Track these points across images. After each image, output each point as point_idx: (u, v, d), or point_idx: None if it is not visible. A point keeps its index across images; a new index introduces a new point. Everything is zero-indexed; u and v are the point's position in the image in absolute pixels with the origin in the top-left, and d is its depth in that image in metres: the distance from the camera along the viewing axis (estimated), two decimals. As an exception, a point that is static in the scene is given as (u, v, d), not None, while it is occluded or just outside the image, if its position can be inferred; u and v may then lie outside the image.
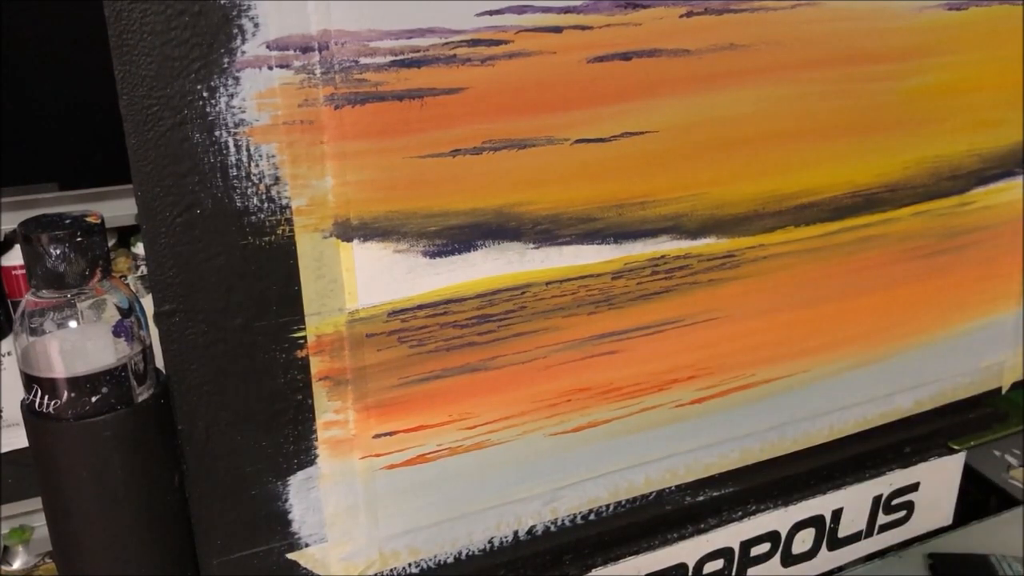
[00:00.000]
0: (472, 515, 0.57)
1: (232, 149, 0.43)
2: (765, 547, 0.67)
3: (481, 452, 0.55)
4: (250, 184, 0.44)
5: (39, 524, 0.85)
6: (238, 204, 0.44)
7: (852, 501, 0.69)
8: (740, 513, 0.66)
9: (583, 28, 0.48)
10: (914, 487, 0.71)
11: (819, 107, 0.58)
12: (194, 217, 0.43)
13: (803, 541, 0.69)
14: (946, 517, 0.75)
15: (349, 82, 0.44)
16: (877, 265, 0.65)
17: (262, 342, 0.47)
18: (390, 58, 0.44)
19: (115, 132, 0.42)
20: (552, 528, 0.61)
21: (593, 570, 0.61)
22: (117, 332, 0.45)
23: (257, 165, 0.44)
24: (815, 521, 0.68)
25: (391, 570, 0.56)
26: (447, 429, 0.54)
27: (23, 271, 0.96)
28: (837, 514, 0.69)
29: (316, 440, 0.50)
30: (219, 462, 0.48)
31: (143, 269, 1.06)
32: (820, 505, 0.68)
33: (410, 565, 0.56)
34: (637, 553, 0.62)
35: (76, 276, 0.44)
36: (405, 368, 0.51)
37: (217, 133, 0.42)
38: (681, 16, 0.51)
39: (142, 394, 0.46)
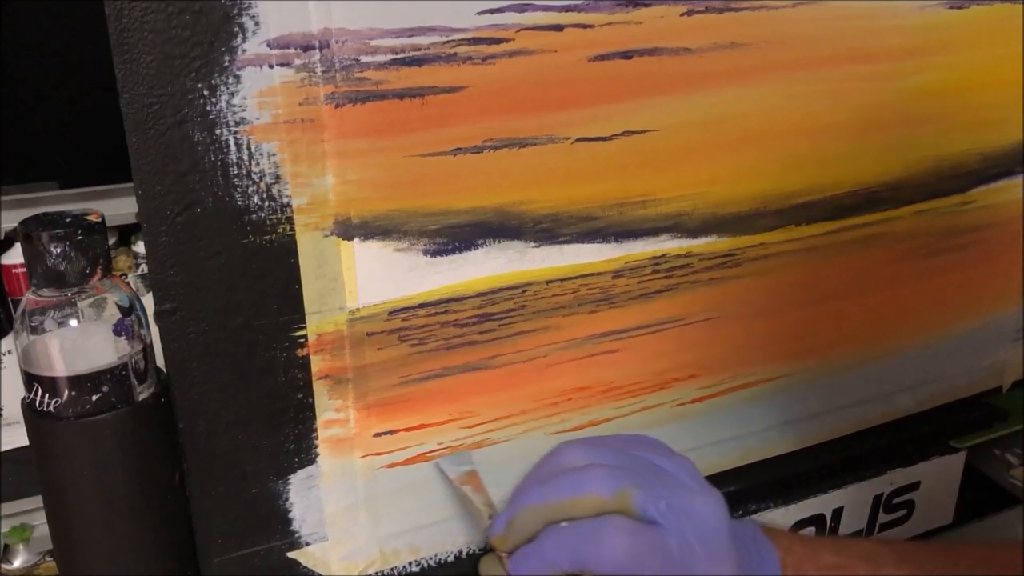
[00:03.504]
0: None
1: (233, 147, 0.43)
2: (765, 546, 0.67)
3: (482, 451, 0.55)
4: (251, 183, 0.44)
5: (39, 523, 0.85)
6: (239, 203, 0.44)
7: (852, 500, 0.69)
8: (740, 512, 0.66)
9: (584, 26, 0.48)
10: (915, 486, 0.71)
11: (820, 105, 0.58)
12: (195, 216, 0.43)
13: (803, 540, 0.69)
14: (946, 516, 0.75)
15: (350, 80, 0.44)
16: (878, 264, 0.65)
17: (263, 341, 0.47)
18: (391, 56, 0.44)
19: (115, 130, 0.42)
20: (552, 527, 0.61)
21: (593, 569, 0.61)
22: (118, 331, 0.45)
23: (258, 164, 0.44)
24: (816, 520, 0.68)
25: (391, 569, 0.56)
26: (448, 428, 0.54)
27: (23, 269, 0.96)
28: (838, 513, 0.69)
29: (317, 439, 0.50)
30: (219, 461, 0.48)
31: (144, 267, 1.06)
32: (820, 504, 0.67)
33: (410, 564, 0.56)
34: (637, 552, 0.62)
35: (77, 275, 0.44)
36: (406, 367, 0.51)
37: (218, 131, 0.42)
38: (682, 14, 0.51)
39: (143, 393, 0.46)
